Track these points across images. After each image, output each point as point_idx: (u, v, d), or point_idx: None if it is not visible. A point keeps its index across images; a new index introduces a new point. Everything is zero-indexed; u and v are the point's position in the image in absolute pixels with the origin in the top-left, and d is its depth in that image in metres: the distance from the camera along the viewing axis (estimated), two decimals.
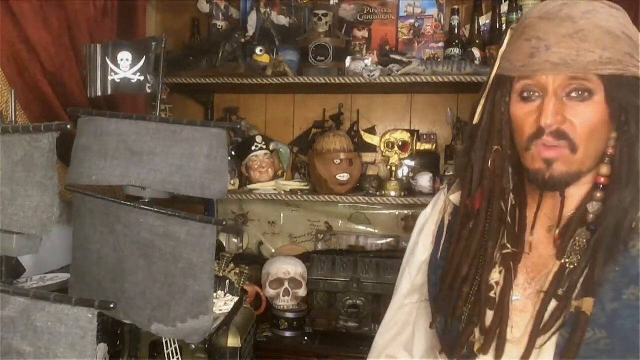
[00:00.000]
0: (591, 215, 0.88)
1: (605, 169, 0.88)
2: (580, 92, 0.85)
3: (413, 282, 1.14)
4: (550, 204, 0.95)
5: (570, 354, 0.82)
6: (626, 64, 0.84)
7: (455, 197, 1.05)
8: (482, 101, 0.97)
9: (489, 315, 0.92)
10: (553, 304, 0.87)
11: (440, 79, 2.14)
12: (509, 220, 0.94)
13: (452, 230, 1.02)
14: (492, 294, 0.92)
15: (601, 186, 0.88)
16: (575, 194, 0.91)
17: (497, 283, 0.92)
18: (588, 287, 0.85)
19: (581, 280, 0.86)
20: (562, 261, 0.88)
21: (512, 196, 0.95)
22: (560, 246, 0.90)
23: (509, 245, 0.93)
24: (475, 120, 0.97)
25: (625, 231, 0.84)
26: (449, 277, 0.97)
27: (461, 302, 0.94)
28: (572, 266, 0.87)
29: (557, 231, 0.92)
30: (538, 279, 0.92)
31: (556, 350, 0.85)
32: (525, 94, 0.89)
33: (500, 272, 0.93)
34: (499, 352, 0.89)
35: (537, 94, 0.88)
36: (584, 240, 0.88)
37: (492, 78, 0.96)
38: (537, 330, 0.86)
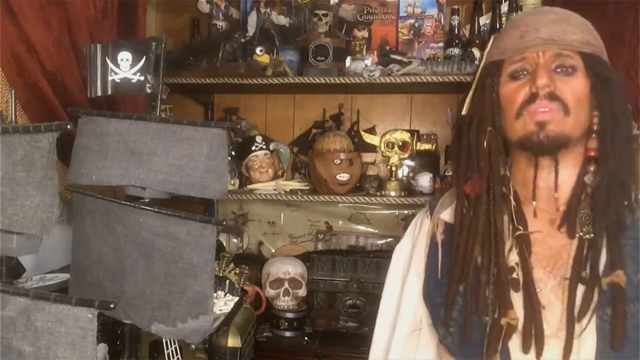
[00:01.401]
0: (589, 187, 0.93)
1: (593, 143, 0.94)
2: (564, 68, 0.92)
3: (415, 315, 1.07)
4: (545, 196, 0.96)
5: (619, 329, 0.84)
6: (600, 50, 0.95)
7: (446, 215, 1.05)
8: (471, 93, 1.01)
9: (515, 298, 0.90)
10: (581, 289, 0.88)
11: (440, 79, 2.14)
12: (514, 203, 0.96)
13: (454, 227, 1.00)
14: (514, 275, 0.92)
15: (593, 159, 0.94)
16: (571, 175, 0.95)
17: (517, 264, 0.93)
18: (614, 260, 0.87)
19: (602, 258, 0.88)
20: (578, 235, 0.91)
21: (512, 182, 0.98)
22: (568, 223, 0.93)
23: (520, 227, 0.95)
24: (464, 111, 1.02)
25: (619, 197, 0.90)
26: (457, 268, 0.96)
27: (482, 291, 0.92)
28: (588, 236, 0.90)
29: (564, 206, 0.94)
30: (557, 270, 0.92)
31: (598, 334, 0.86)
32: (515, 74, 0.95)
33: (518, 254, 0.94)
34: (539, 344, 0.87)
35: (526, 72, 0.94)
36: (589, 210, 0.92)
37: (479, 72, 1.02)
38: (573, 319, 0.87)
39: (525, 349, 0.88)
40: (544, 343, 0.87)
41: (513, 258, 0.94)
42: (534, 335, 0.88)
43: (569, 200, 0.94)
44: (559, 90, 0.91)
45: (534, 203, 0.97)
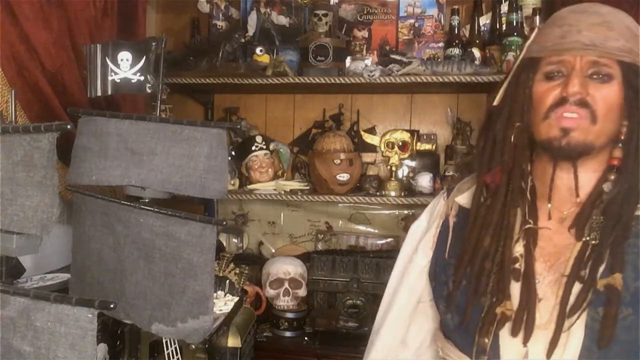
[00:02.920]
0: (605, 195, 0.94)
1: (618, 152, 0.95)
2: (601, 75, 0.92)
3: (413, 289, 1.14)
4: (561, 196, 0.99)
5: (608, 329, 0.87)
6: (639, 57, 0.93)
7: (462, 199, 1.08)
8: (505, 85, 1.02)
9: (514, 287, 0.94)
10: (577, 287, 0.90)
11: (440, 79, 2.14)
12: (529, 196, 0.99)
13: (471, 211, 1.04)
14: (516, 266, 0.95)
15: (615, 168, 0.95)
16: (590, 179, 0.96)
17: (521, 255, 0.96)
18: (614, 264, 0.89)
19: (603, 259, 0.90)
20: (584, 239, 0.93)
21: (530, 177, 1.00)
22: (577, 226, 0.95)
23: (530, 221, 0.97)
24: (496, 102, 1.03)
25: (632, 208, 0.91)
26: (467, 254, 1.00)
27: (484, 278, 0.96)
28: (594, 242, 0.92)
29: (578, 207, 0.96)
30: (556, 267, 0.95)
31: (586, 332, 0.88)
32: (550, 74, 0.95)
33: (524, 246, 0.97)
34: (528, 331, 0.91)
35: (561, 73, 0.94)
36: (600, 218, 0.93)
37: (517, 64, 1.01)
38: (564, 313, 0.89)
39: (514, 333, 0.92)
40: (532, 330, 0.91)
41: (518, 249, 0.97)
42: (524, 322, 0.91)
43: (584, 205, 0.96)
44: (591, 97, 0.91)
45: (549, 205, 0.99)
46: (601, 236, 0.91)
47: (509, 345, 0.93)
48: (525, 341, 0.91)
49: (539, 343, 0.91)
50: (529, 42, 1.01)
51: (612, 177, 0.94)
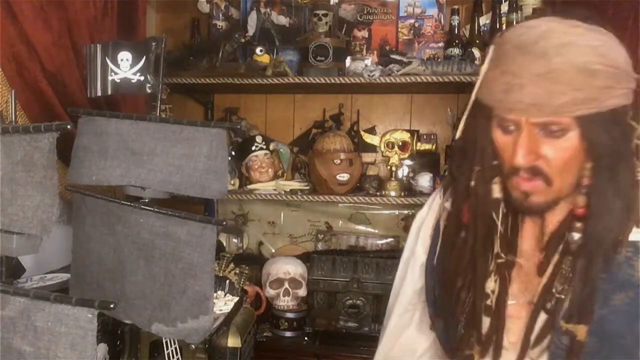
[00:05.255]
0: (573, 246, 0.90)
1: (581, 200, 0.89)
2: (552, 131, 0.85)
3: (415, 285, 1.15)
4: (539, 223, 0.97)
5: None
6: (602, 99, 0.83)
7: (450, 204, 1.05)
8: (464, 117, 0.99)
9: (486, 321, 0.97)
10: (543, 317, 0.92)
11: (440, 79, 2.14)
12: (501, 229, 0.96)
13: (447, 236, 1.04)
14: (488, 302, 0.96)
15: (578, 217, 0.90)
16: (552, 220, 0.94)
17: (493, 291, 0.96)
18: (581, 315, 0.88)
19: (570, 298, 0.89)
20: (553, 290, 0.92)
21: (502, 205, 0.95)
22: (539, 266, 0.95)
23: (502, 255, 0.96)
24: (458, 135, 1.00)
25: (605, 257, 0.87)
26: (446, 284, 1.02)
27: (459, 308, 0.98)
28: (561, 294, 0.90)
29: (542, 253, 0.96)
30: (530, 289, 0.96)
31: (549, 356, 0.91)
32: (504, 126, 0.89)
33: (495, 281, 0.96)
34: (496, 357, 0.95)
35: (513, 127, 0.88)
36: (569, 268, 0.90)
37: (473, 97, 0.96)
38: (528, 342, 0.93)
39: (483, 355, 0.96)
40: (500, 354, 0.95)
41: (490, 285, 0.96)
42: (492, 346, 0.95)
43: (547, 251, 0.94)
44: (542, 160, 0.86)
45: (519, 261, 0.97)
46: (571, 291, 0.89)
47: None
48: None
49: None
50: (484, 67, 0.93)
51: (578, 225, 0.89)
